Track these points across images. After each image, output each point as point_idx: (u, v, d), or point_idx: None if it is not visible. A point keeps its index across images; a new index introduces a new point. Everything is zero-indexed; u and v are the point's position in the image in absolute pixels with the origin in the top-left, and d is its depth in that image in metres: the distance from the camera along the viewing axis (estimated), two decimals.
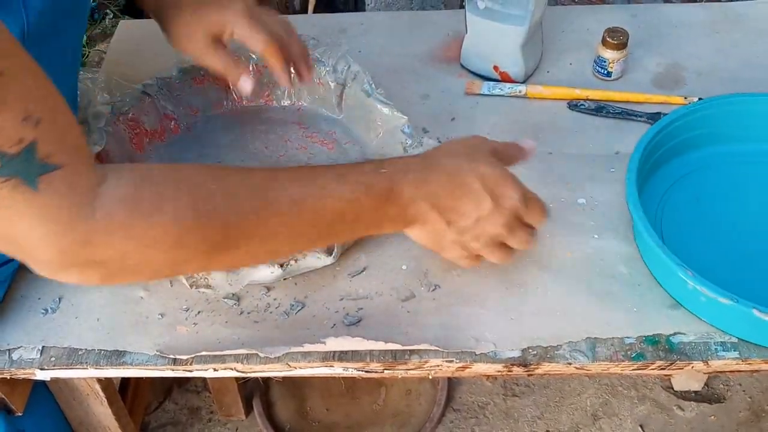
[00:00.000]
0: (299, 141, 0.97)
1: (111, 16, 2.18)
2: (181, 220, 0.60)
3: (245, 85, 0.85)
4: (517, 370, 0.76)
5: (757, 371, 0.79)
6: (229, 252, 0.64)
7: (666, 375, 1.58)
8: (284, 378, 1.62)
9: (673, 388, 1.64)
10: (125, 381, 1.16)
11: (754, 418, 1.59)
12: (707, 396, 1.63)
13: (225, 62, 0.84)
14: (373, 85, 0.94)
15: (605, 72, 1.04)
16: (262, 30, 0.82)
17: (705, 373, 1.51)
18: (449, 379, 1.63)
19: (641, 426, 1.59)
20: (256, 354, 0.76)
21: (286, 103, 1.01)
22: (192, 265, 0.66)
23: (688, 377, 1.61)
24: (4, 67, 0.49)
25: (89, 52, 1.80)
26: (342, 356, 0.76)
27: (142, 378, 1.21)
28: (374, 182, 0.70)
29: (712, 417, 1.60)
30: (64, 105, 0.56)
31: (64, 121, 0.55)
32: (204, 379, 1.65)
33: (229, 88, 0.99)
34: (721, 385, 1.65)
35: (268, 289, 0.82)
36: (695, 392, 1.63)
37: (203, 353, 0.76)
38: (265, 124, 0.99)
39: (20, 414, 0.84)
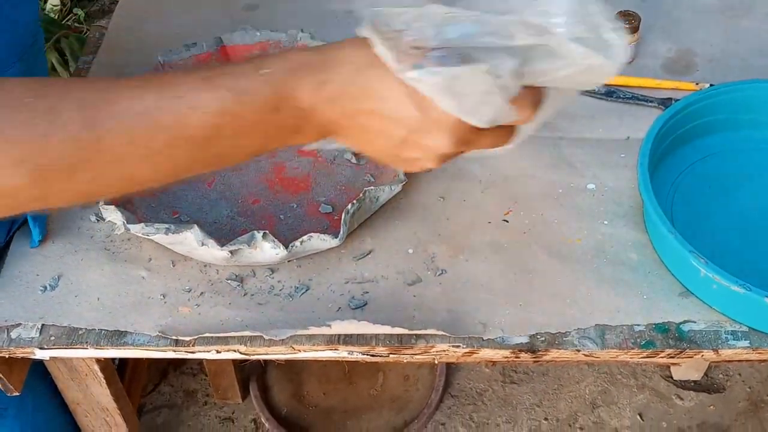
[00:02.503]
0: None
1: None
2: None
3: None
4: (525, 356, 0.75)
5: (761, 361, 0.79)
6: (62, 178, 0.52)
7: (674, 363, 1.58)
8: (282, 362, 1.61)
9: (672, 378, 1.63)
10: (123, 362, 1.14)
11: (753, 409, 1.59)
12: (706, 386, 1.63)
13: None
14: None
15: None
16: None
17: (710, 362, 1.51)
18: (448, 365, 1.62)
19: (640, 415, 1.58)
20: (260, 336, 0.74)
21: None
22: (20, 196, 0.53)
23: (687, 366, 1.61)
24: None
25: (88, 29, 1.78)
26: (347, 340, 0.75)
27: (140, 359, 1.20)
28: (252, 88, 0.54)
29: (711, 407, 1.59)
30: None
31: None
32: (200, 362, 1.63)
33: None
34: (721, 375, 1.64)
35: (272, 270, 0.81)
36: (694, 382, 1.63)
37: (206, 335, 0.75)
38: None
39: (17, 394, 0.82)
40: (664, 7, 1.13)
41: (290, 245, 0.76)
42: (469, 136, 0.56)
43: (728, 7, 1.13)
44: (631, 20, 1.01)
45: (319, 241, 0.77)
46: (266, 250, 0.76)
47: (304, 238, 0.76)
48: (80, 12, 2.05)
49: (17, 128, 0.50)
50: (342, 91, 0.55)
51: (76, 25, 2.03)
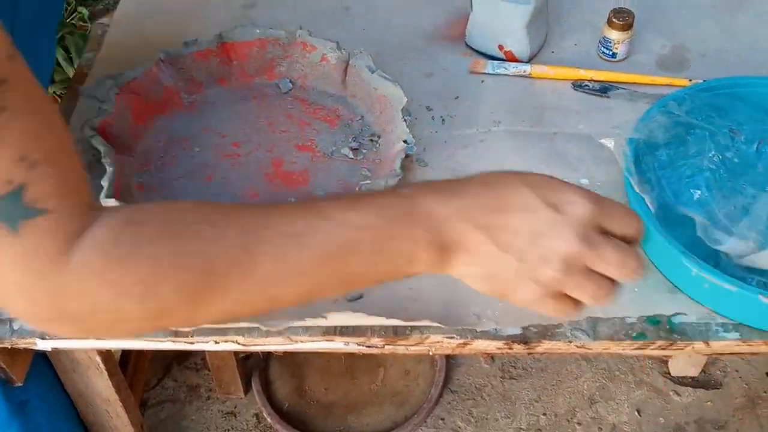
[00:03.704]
0: (302, 117, 0.96)
1: None
2: (156, 264, 0.51)
3: None
4: (518, 348, 0.77)
5: (756, 354, 0.80)
6: (216, 300, 0.54)
7: (666, 356, 1.59)
8: (283, 357, 1.63)
9: (670, 374, 1.64)
10: (126, 355, 1.16)
11: (750, 405, 1.60)
12: (704, 382, 1.64)
13: None
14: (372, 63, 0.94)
15: (610, 53, 1.04)
16: None
17: (705, 355, 1.51)
18: (447, 360, 1.64)
19: (638, 410, 1.60)
20: (258, 327, 0.76)
21: (290, 78, 1.00)
22: (174, 317, 0.55)
23: (685, 363, 1.62)
24: (8, 101, 0.45)
25: (91, 26, 1.79)
26: (343, 331, 0.76)
27: (142, 353, 1.22)
28: (391, 203, 0.57)
29: (709, 403, 1.60)
30: (69, 144, 0.52)
31: (64, 163, 0.51)
32: (203, 357, 1.65)
33: (233, 62, 0.99)
34: (718, 372, 1.65)
35: None
36: (692, 378, 1.64)
37: (204, 326, 0.76)
38: (269, 99, 0.99)
39: (20, 384, 0.84)
40: (658, 4, 1.14)
41: None
42: (596, 237, 0.57)
43: (722, 3, 1.14)
44: (625, 17, 1.02)
45: None
46: None
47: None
48: (84, 11, 2.07)
49: (187, 257, 0.52)
50: (474, 202, 0.57)
51: (80, 23, 2.04)
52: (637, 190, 0.79)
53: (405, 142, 0.86)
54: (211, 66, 0.98)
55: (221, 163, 0.91)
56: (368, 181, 0.80)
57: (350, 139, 0.93)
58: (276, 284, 0.55)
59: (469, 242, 0.57)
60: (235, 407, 1.60)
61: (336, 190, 0.89)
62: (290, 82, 1.00)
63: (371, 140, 0.93)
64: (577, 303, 0.60)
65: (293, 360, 1.64)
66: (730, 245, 0.76)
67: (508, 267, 0.57)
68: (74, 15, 2.05)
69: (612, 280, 0.58)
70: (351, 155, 0.91)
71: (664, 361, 1.65)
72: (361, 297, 0.79)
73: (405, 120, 0.88)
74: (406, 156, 0.86)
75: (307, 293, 0.58)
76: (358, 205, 0.57)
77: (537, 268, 0.57)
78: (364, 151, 0.92)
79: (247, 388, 1.60)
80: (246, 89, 1.00)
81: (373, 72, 0.93)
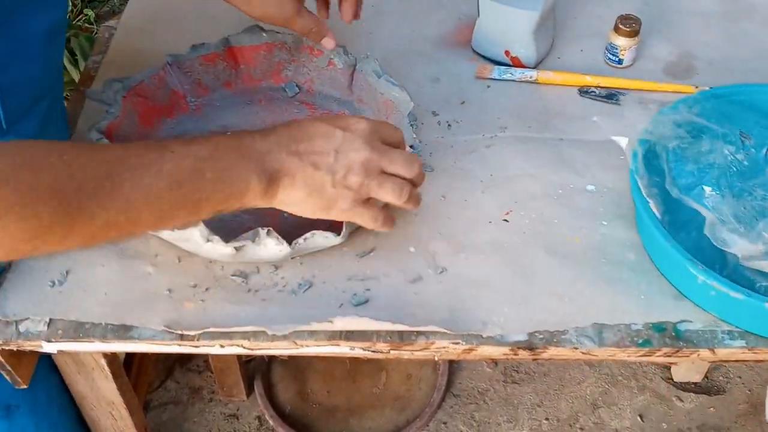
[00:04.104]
0: None
1: None
2: (34, 188, 0.59)
3: (329, 43, 0.94)
4: (523, 354, 0.77)
5: (762, 361, 0.80)
6: (86, 222, 0.62)
7: (671, 363, 1.59)
8: (286, 360, 1.63)
9: (672, 379, 1.64)
10: (129, 357, 1.16)
11: (753, 411, 1.60)
12: (707, 388, 1.64)
13: (313, 22, 0.91)
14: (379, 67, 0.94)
15: (617, 59, 1.04)
16: None
17: (709, 362, 1.52)
18: (450, 364, 1.64)
19: (640, 416, 1.59)
20: (263, 331, 0.76)
21: (296, 83, 1.00)
22: (48, 238, 0.62)
23: (688, 368, 1.61)
24: None
25: (97, 29, 1.80)
26: (348, 335, 0.77)
27: (146, 355, 1.22)
28: (224, 140, 0.70)
29: (712, 409, 1.60)
30: None
31: None
32: (206, 360, 1.65)
33: (240, 66, 0.99)
34: (721, 378, 1.65)
35: (276, 267, 0.82)
36: (695, 384, 1.64)
37: (211, 329, 0.76)
38: (275, 103, 0.99)
39: (25, 387, 0.84)
40: (665, 11, 1.14)
41: (294, 242, 0.78)
42: (382, 146, 0.74)
43: (729, 10, 1.14)
44: (632, 24, 1.02)
45: (322, 239, 0.79)
46: (270, 246, 0.77)
47: (307, 235, 0.78)
48: (90, 13, 2.07)
49: (62, 181, 0.61)
50: (286, 135, 0.72)
51: (86, 25, 2.05)
52: (644, 194, 0.79)
53: (411, 147, 0.86)
54: (218, 70, 0.99)
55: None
56: None
57: None
58: (135, 207, 0.64)
59: (289, 168, 0.70)
60: (238, 410, 1.61)
61: None
62: (297, 86, 1.00)
63: None
64: (385, 210, 0.76)
65: (296, 363, 1.64)
66: (738, 247, 0.75)
67: (324, 182, 0.71)
68: (80, 17, 2.06)
69: (408, 182, 0.75)
70: None
71: (667, 367, 1.65)
72: (367, 302, 0.79)
73: (411, 125, 0.88)
74: None
75: (162, 216, 0.67)
76: (198, 141, 0.69)
77: (346, 177, 0.71)
78: None
79: (250, 390, 1.60)
80: (252, 93, 1.00)
81: (379, 77, 0.93)
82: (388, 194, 0.74)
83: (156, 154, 0.66)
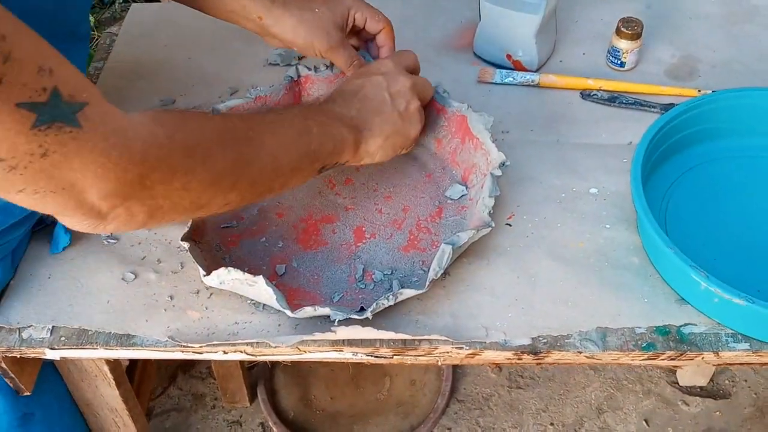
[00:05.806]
0: None
1: (121, 0, 2.17)
2: (202, 137, 0.65)
3: None
4: (527, 358, 0.76)
5: (766, 364, 0.79)
6: (244, 171, 0.68)
7: (675, 366, 1.58)
8: (289, 366, 1.62)
9: (678, 383, 1.64)
10: (132, 364, 1.16)
11: (759, 415, 1.59)
12: (713, 392, 1.63)
13: (355, 55, 0.90)
14: None
15: (619, 62, 1.04)
16: (379, 11, 0.91)
17: (714, 365, 1.51)
18: (454, 370, 1.63)
19: (646, 420, 1.59)
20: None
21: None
22: (222, 185, 0.67)
23: (693, 372, 1.61)
24: (5, 30, 0.50)
25: (99, 35, 1.80)
26: (351, 341, 0.76)
27: (148, 362, 1.22)
28: (307, 107, 0.83)
29: (717, 413, 1.59)
30: (63, 57, 0.57)
31: (70, 68, 0.56)
32: (209, 366, 1.65)
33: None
34: (727, 381, 1.65)
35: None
36: (701, 388, 1.63)
37: (214, 342, 0.76)
38: None
39: (29, 394, 0.84)
40: (668, 14, 1.14)
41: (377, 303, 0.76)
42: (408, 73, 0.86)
43: (731, 13, 1.14)
44: (634, 26, 1.02)
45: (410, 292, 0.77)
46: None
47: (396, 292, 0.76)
48: (92, 19, 2.08)
49: (223, 133, 0.68)
50: (351, 99, 0.82)
51: None
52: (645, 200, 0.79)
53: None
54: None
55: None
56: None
57: None
58: (277, 153, 0.71)
59: (365, 120, 0.80)
60: (241, 416, 1.60)
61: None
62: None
63: None
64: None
65: (299, 369, 1.64)
66: None
67: (395, 119, 0.82)
68: None
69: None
70: None
71: (672, 371, 1.64)
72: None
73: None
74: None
75: (293, 166, 0.74)
76: (290, 110, 0.79)
77: (407, 107, 0.83)
78: None
79: (253, 397, 1.59)
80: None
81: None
82: (430, 93, 0.88)
83: (273, 115, 0.75)
